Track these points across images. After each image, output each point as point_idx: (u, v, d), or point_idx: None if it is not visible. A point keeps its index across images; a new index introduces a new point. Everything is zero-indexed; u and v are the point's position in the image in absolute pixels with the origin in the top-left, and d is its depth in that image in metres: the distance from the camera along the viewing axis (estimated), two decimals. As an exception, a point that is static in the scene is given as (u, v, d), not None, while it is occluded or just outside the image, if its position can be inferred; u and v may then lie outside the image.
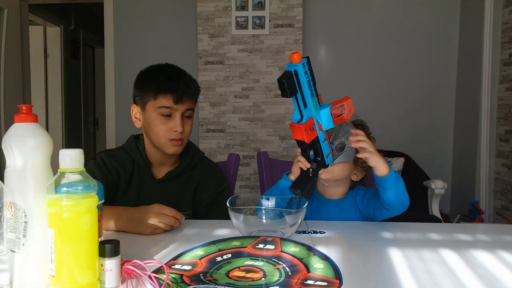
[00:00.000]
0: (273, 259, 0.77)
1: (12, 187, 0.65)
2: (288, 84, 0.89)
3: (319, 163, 1.03)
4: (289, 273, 0.71)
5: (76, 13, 4.65)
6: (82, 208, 0.63)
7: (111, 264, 0.67)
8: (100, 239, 0.73)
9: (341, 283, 0.68)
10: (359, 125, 1.23)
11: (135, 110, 1.26)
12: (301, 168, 1.05)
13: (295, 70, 0.89)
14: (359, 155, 1.08)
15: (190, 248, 0.83)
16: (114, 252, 0.68)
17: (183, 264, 0.76)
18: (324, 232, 1.02)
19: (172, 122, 1.19)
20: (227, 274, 0.71)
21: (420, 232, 1.05)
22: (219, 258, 0.78)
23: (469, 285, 0.70)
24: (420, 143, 3.10)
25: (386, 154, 2.65)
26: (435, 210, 2.46)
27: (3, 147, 0.66)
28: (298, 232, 1.00)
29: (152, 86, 1.19)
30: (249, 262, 0.76)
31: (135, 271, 0.68)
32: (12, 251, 0.66)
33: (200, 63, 2.99)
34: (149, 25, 3.25)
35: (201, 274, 0.72)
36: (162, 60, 1.29)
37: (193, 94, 1.23)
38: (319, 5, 3.12)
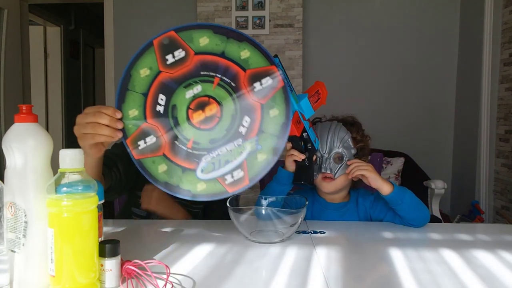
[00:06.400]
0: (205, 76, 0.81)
1: (12, 187, 0.65)
2: None
3: (310, 150, 1.06)
4: (233, 84, 0.77)
5: (76, 13, 4.64)
6: (82, 208, 0.63)
7: (111, 264, 0.67)
8: (100, 239, 0.73)
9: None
10: (353, 123, 1.21)
11: None
12: (295, 161, 1.06)
13: None
14: (364, 181, 1.10)
15: None
16: (114, 252, 0.68)
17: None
18: (324, 232, 1.02)
19: None
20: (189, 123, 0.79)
21: (420, 232, 1.05)
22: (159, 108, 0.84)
23: (469, 285, 0.70)
24: (420, 143, 3.09)
25: (386, 154, 2.65)
26: (435, 210, 2.46)
27: (3, 147, 0.66)
28: (298, 232, 1.00)
29: None
30: (190, 93, 0.82)
31: (135, 271, 0.68)
32: (12, 251, 0.66)
33: (200, 63, 2.99)
34: (149, 25, 3.24)
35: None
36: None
37: None
38: (319, 5, 3.12)
